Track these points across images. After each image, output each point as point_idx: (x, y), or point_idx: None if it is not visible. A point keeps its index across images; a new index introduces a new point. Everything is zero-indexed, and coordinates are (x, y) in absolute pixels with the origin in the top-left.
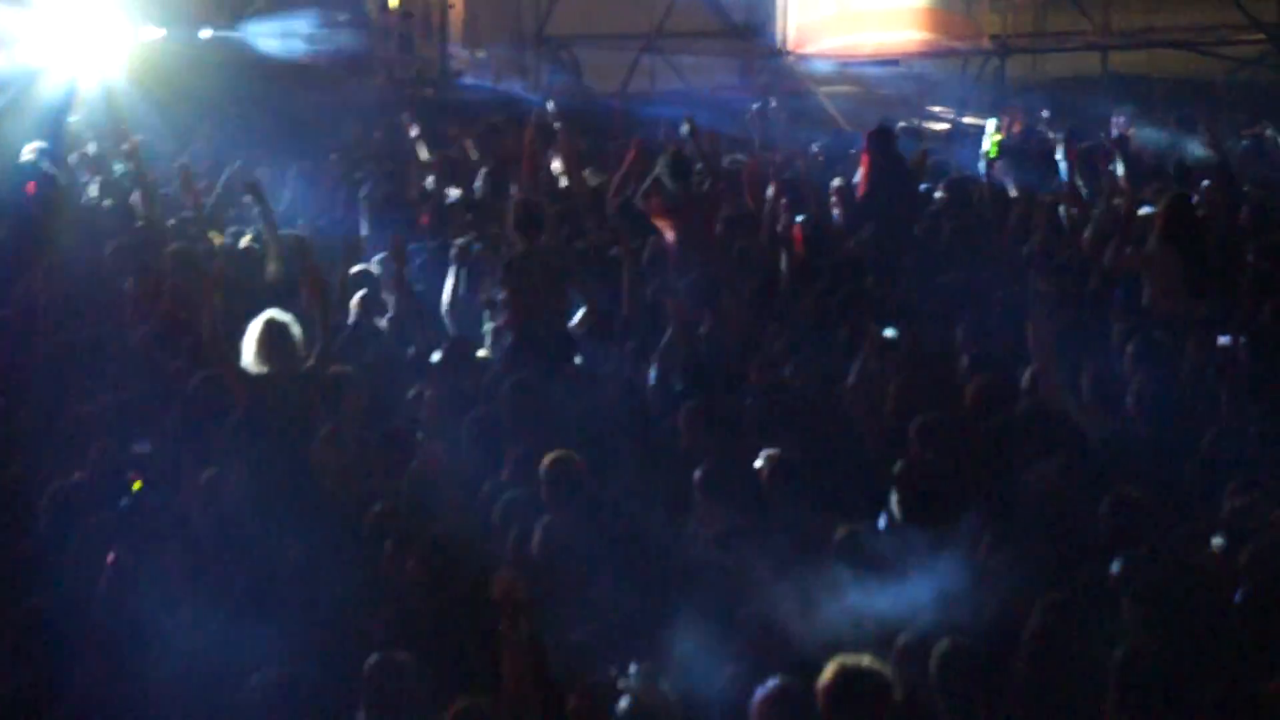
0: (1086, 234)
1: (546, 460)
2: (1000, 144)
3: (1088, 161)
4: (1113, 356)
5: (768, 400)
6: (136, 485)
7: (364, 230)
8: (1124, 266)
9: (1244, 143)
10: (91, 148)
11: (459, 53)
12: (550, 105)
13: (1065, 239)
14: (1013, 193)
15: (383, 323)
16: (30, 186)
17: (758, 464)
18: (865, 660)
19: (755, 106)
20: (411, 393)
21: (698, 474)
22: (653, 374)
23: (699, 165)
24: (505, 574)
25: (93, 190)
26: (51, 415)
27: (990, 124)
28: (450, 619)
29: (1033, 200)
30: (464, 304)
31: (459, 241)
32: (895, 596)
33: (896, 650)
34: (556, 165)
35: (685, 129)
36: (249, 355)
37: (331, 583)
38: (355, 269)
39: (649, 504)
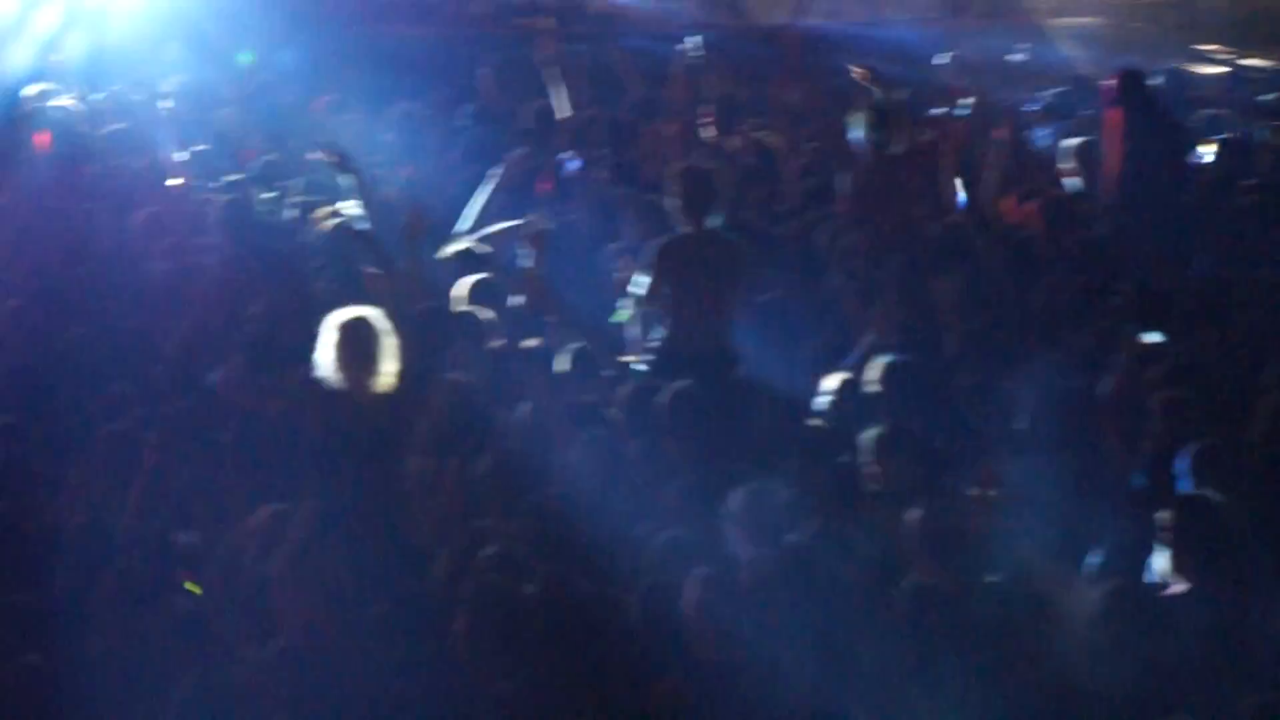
0: None
1: (741, 494)
2: None
3: None
4: None
5: (991, 423)
6: (191, 586)
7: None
8: None
9: None
10: (114, 90)
11: None
12: (694, 42)
13: None
14: None
15: (490, 315)
16: (41, 139)
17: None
18: None
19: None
20: (525, 408)
21: (911, 518)
22: (833, 388)
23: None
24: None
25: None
26: (73, 436)
27: None
28: (576, 702)
29: None
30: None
31: None
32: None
33: None
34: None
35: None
36: (326, 362)
37: (423, 648)
38: (453, 248)
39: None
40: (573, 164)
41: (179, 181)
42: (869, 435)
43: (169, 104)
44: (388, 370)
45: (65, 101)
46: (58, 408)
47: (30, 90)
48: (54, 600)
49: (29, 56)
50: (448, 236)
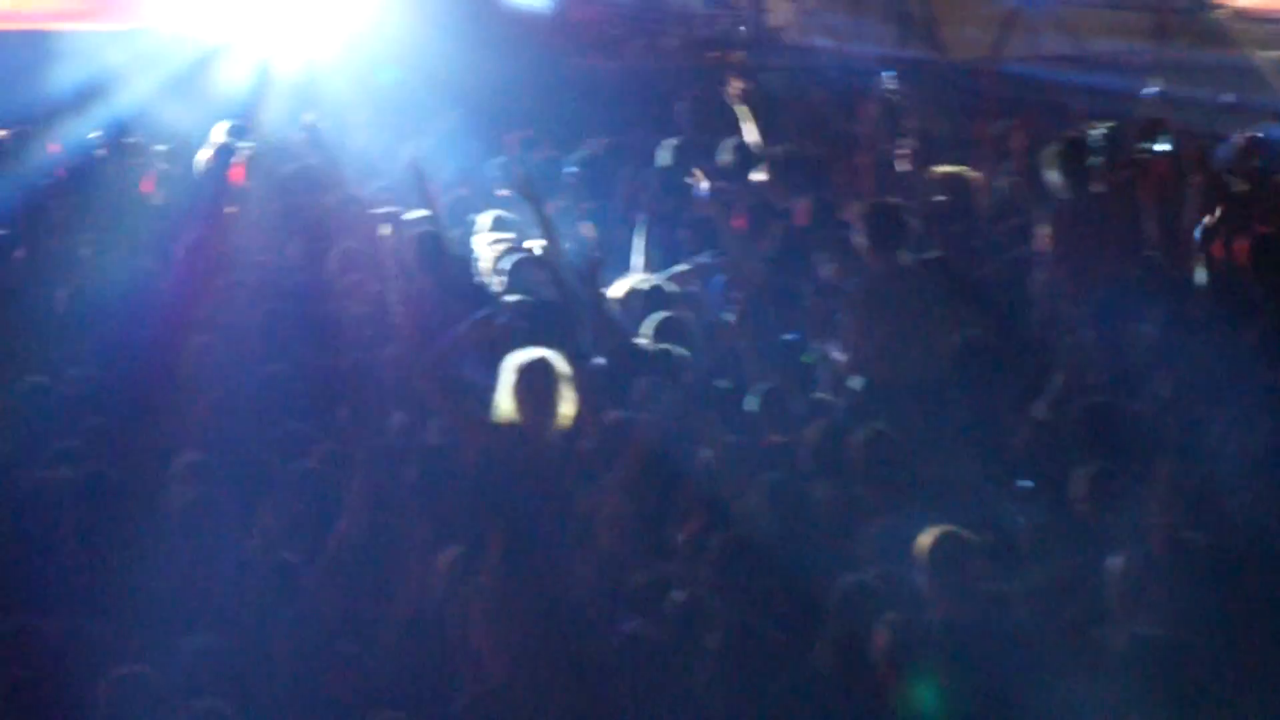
0: None
1: (928, 538)
2: None
3: None
4: None
5: (1196, 467)
6: None
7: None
8: None
9: None
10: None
11: (779, 6)
12: (890, 76)
13: None
14: None
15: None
16: (236, 173)
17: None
18: None
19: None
20: (709, 452)
21: (1116, 563)
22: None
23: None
24: None
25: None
26: (262, 475)
27: None
28: None
29: None
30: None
31: None
32: None
33: None
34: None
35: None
36: (503, 401)
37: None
38: (635, 282)
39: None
40: (701, 191)
41: (369, 217)
42: (1074, 477)
43: (358, 139)
44: (565, 413)
45: (255, 138)
46: (247, 445)
47: (221, 127)
48: (239, 639)
49: (219, 93)
50: (625, 273)
